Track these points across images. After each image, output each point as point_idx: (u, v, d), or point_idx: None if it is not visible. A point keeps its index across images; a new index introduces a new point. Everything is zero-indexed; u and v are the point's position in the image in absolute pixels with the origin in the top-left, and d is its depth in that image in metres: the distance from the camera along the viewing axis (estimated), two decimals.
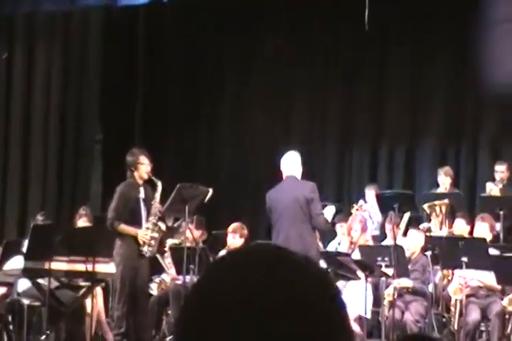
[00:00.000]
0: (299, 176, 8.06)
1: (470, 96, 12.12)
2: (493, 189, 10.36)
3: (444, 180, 10.51)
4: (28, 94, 12.26)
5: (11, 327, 9.00)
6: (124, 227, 8.33)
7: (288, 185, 7.95)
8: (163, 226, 8.63)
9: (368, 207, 10.36)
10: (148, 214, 8.49)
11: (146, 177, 8.51)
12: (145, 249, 8.34)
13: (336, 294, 1.10)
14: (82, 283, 8.73)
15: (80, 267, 8.26)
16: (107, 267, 8.39)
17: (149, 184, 8.61)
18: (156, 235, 8.45)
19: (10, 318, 9.04)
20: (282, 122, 13.11)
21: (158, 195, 8.53)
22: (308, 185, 7.93)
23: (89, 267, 8.17)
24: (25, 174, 12.08)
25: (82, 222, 9.65)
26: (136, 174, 8.49)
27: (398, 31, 12.24)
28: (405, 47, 12.30)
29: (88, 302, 8.59)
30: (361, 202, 10.13)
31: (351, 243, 9.13)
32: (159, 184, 8.51)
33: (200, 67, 13.16)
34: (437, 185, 10.69)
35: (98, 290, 8.94)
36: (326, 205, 8.32)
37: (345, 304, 1.11)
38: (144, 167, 8.48)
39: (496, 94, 11.64)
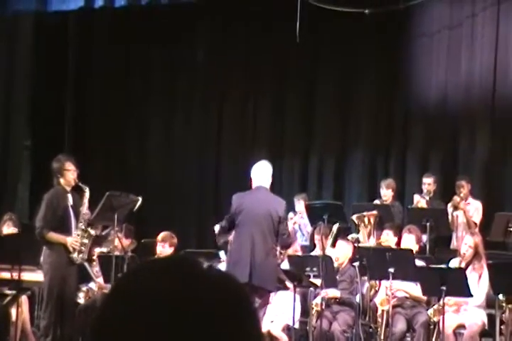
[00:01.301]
0: (268, 186, 8.11)
1: (398, 109, 12.31)
2: (420, 201, 10.51)
3: (386, 193, 10.65)
4: None
5: None
6: (53, 235, 8.23)
7: (261, 197, 7.99)
8: (92, 232, 8.56)
9: (297, 219, 10.44)
10: (77, 220, 8.41)
11: (73, 183, 8.43)
12: (75, 255, 8.26)
13: (251, 315, 1.15)
14: (7, 292, 8.59)
15: (5, 275, 8.13)
16: (33, 275, 8.27)
17: (76, 190, 8.53)
18: (86, 241, 8.39)
19: None
20: (211, 133, 13.11)
21: (86, 201, 8.46)
22: (282, 203, 8.05)
23: (15, 275, 8.04)
24: None
25: (7, 228, 9.48)
26: (62, 181, 8.41)
27: (328, 43, 12.37)
28: (335, 60, 12.43)
29: (13, 311, 8.45)
30: (291, 214, 10.18)
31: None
32: (87, 190, 8.44)
33: (128, 73, 13.11)
34: (372, 196, 10.80)
35: (23, 299, 8.81)
36: None
37: (258, 316, 1.17)
38: (70, 173, 8.40)
39: (424, 107, 11.85)
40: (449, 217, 10.15)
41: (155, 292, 1.11)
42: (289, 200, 11.45)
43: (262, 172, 8.13)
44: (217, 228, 8.85)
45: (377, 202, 10.66)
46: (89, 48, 13.31)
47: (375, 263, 8.17)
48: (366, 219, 9.85)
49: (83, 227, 8.41)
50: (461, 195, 10.33)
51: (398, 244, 9.03)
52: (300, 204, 10.89)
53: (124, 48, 13.04)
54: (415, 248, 8.67)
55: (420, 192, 10.72)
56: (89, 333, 1.14)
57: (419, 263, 8.29)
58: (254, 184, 8.11)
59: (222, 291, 1.13)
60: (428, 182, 10.66)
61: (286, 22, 11.29)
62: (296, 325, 8.50)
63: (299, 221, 10.53)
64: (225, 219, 8.11)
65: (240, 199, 8.02)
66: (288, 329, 8.50)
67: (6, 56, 12.52)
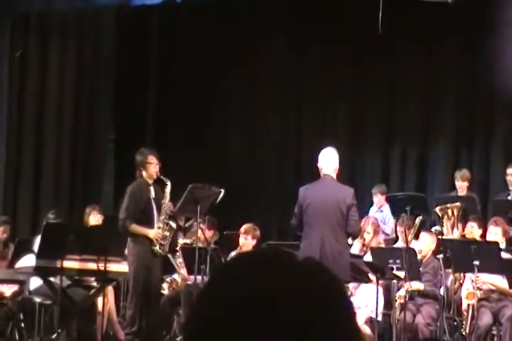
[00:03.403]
0: (335, 174, 7.95)
1: (483, 98, 12.11)
2: None
3: (461, 185, 10.45)
4: (41, 92, 12.29)
5: (22, 325, 9.03)
6: (135, 227, 8.36)
7: (327, 187, 7.84)
8: (173, 225, 8.66)
9: (377, 215, 10.43)
10: (159, 213, 8.51)
11: (155, 176, 8.55)
12: (157, 248, 8.38)
13: (347, 300, 1.14)
14: (94, 284, 8.74)
15: (92, 266, 8.27)
16: (118, 266, 8.41)
17: (158, 183, 8.63)
18: (167, 234, 8.50)
19: (21, 316, 9.08)
20: (293, 123, 13.11)
21: (168, 194, 8.56)
22: (350, 191, 7.89)
23: (101, 266, 8.18)
24: (37, 172, 12.12)
25: (93, 218, 9.56)
26: (145, 174, 8.53)
27: (411, 31, 12.21)
28: (417, 50, 12.28)
29: (100, 301, 8.61)
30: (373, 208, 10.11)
31: (363, 245, 9.12)
32: (168, 183, 8.55)
33: (211, 66, 13.16)
34: (453, 188, 10.65)
35: (109, 290, 8.96)
36: None
37: (354, 309, 1.14)
38: (153, 166, 8.52)
39: (508, 96, 11.62)
40: None
41: (252, 289, 1.09)
42: (371, 192, 11.40)
43: (327, 160, 7.94)
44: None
45: (453, 194, 10.48)
46: (171, 42, 13.41)
47: (460, 255, 8.07)
48: (450, 211, 9.72)
49: (165, 220, 8.51)
50: None
51: (483, 236, 8.90)
52: (377, 198, 10.85)
53: (207, 40, 13.09)
54: (502, 241, 8.52)
55: (505, 182, 10.53)
56: (184, 334, 1.13)
57: (505, 255, 8.15)
58: (321, 173, 7.94)
59: (320, 286, 1.11)
60: (511, 173, 10.46)
61: (367, 13, 11.19)
62: (380, 318, 8.45)
63: (375, 215, 10.45)
64: (294, 216, 7.97)
65: (304, 193, 7.86)
66: (371, 322, 8.45)
67: (90, 51, 12.71)
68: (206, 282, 1.16)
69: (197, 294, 1.16)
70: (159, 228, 8.45)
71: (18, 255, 8.96)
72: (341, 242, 7.78)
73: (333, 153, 8.02)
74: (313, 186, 7.96)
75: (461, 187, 10.45)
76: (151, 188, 8.55)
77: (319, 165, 7.97)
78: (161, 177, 8.59)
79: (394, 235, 10.18)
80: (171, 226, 8.58)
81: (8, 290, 9.10)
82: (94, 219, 9.49)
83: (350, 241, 9.27)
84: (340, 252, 7.70)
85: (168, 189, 8.57)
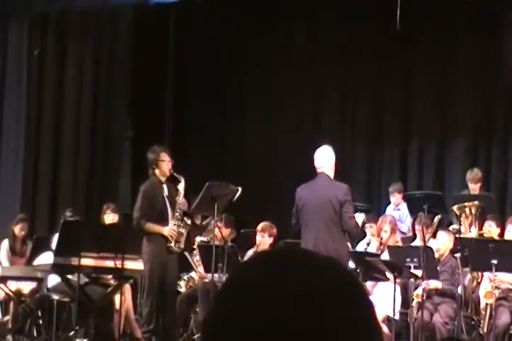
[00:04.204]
0: (331, 173, 7.89)
1: (501, 96, 12.04)
2: None
3: (474, 187, 10.36)
4: (59, 90, 12.32)
5: (40, 322, 9.08)
6: (150, 226, 8.37)
7: (321, 185, 7.79)
8: (188, 221, 8.66)
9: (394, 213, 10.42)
10: (174, 210, 8.52)
11: (168, 174, 8.54)
12: (173, 245, 8.38)
13: (364, 295, 1.12)
14: (111, 281, 8.77)
15: (109, 263, 8.29)
16: (135, 264, 8.42)
17: (171, 180, 8.62)
18: (182, 231, 8.51)
19: (39, 313, 9.12)
20: (311, 121, 13.10)
21: (182, 191, 8.55)
22: (343, 187, 7.79)
23: (118, 263, 8.19)
24: (55, 171, 12.15)
25: (107, 217, 9.58)
26: (157, 171, 8.52)
27: (429, 28, 12.16)
28: (436, 46, 12.23)
29: (117, 298, 8.63)
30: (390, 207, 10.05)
31: (380, 244, 9.09)
32: (182, 180, 8.53)
33: (229, 64, 13.16)
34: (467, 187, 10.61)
35: (127, 287, 8.97)
36: (356, 211, 8.25)
37: (374, 306, 1.11)
38: (165, 164, 8.52)
39: None
40: None
41: (265, 289, 1.08)
42: (388, 191, 11.37)
43: (322, 158, 7.88)
44: None
45: (466, 192, 10.42)
46: (191, 39, 13.41)
47: (477, 254, 8.04)
48: (467, 210, 9.68)
49: (179, 217, 8.52)
50: None
51: (501, 235, 8.86)
52: (394, 197, 10.81)
53: (225, 38, 13.09)
54: None
55: None
56: (202, 333, 1.12)
57: None
58: (318, 171, 7.88)
59: (336, 284, 1.10)
60: None
61: (385, 9, 11.16)
62: (397, 316, 8.42)
63: (392, 214, 10.41)
64: (292, 216, 7.94)
65: (300, 193, 7.83)
66: (388, 321, 8.43)
67: (108, 49, 12.73)
68: (224, 282, 1.15)
69: (215, 294, 1.15)
70: (175, 225, 8.46)
71: (36, 252, 9.00)
72: (337, 239, 7.68)
73: (328, 151, 7.96)
74: (308, 185, 7.93)
75: (474, 189, 10.35)
76: (164, 186, 8.55)
77: (315, 163, 7.92)
78: (175, 174, 8.57)
79: (411, 233, 10.15)
80: (185, 223, 8.59)
81: (27, 287, 9.14)
82: (109, 217, 9.50)
83: (367, 239, 9.28)
84: (336, 249, 7.58)
85: (181, 186, 8.55)
